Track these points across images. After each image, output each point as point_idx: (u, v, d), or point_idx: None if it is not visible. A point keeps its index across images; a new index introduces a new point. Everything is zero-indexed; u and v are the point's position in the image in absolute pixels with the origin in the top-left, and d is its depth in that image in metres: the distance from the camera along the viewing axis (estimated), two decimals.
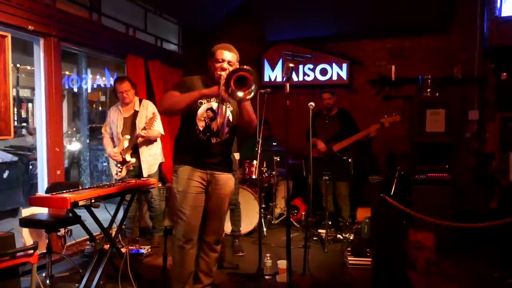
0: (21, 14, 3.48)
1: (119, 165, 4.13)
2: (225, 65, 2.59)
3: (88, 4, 4.42)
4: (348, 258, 3.83)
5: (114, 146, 4.20)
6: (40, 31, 3.70)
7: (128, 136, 4.07)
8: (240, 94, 2.35)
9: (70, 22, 4.02)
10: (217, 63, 2.60)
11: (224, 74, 2.53)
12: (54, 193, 2.71)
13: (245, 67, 2.37)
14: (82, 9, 4.32)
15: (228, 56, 2.61)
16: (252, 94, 2.36)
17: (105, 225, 3.22)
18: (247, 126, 2.64)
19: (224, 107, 2.48)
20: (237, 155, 4.23)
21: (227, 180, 2.77)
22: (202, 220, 2.72)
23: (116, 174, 4.14)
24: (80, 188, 3.12)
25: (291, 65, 2.62)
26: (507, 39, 4.71)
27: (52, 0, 3.91)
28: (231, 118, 2.69)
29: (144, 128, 3.97)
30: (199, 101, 2.60)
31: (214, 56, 2.63)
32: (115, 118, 4.19)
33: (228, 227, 4.33)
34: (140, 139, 4.06)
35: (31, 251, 2.37)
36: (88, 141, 6.87)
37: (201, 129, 2.63)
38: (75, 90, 7.19)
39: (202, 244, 2.78)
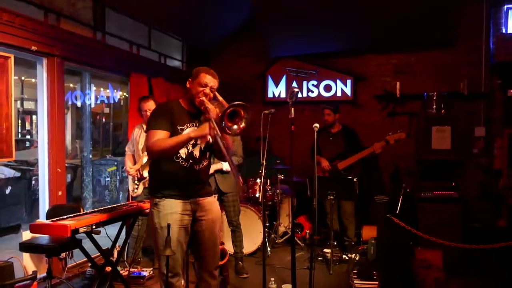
0: (24, 35, 3.46)
1: (136, 181, 4.11)
2: (207, 90, 2.53)
3: (92, 23, 4.41)
4: (355, 281, 3.74)
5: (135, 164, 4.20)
6: (43, 51, 3.68)
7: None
8: (234, 127, 2.38)
9: (74, 42, 4.00)
10: (200, 87, 2.53)
11: (206, 99, 2.49)
12: (55, 219, 2.67)
13: (236, 102, 2.35)
14: (86, 28, 4.32)
15: (211, 82, 2.55)
16: (243, 125, 2.39)
17: (109, 242, 3.16)
18: (220, 157, 2.70)
19: (219, 140, 2.40)
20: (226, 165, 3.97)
21: (211, 203, 2.71)
22: (198, 250, 2.67)
23: (133, 191, 4.13)
24: (82, 211, 3.08)
25: (296, 90, 2.57)
26: None
27: (56, 20, 3.91)
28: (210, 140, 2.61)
29: None
30: (179, 128, 2.51)
31: (197, 79, 2.55)
32: (138, 136, 4.21)
33: (230, 248, 4.27)
34: None
35: (30, 281, 2.32)
36: (91, 156, 6.85)
37: (184, 156, 2.54)
38: (79, 105, 7.19)
39: (202, 273, 2.71)
